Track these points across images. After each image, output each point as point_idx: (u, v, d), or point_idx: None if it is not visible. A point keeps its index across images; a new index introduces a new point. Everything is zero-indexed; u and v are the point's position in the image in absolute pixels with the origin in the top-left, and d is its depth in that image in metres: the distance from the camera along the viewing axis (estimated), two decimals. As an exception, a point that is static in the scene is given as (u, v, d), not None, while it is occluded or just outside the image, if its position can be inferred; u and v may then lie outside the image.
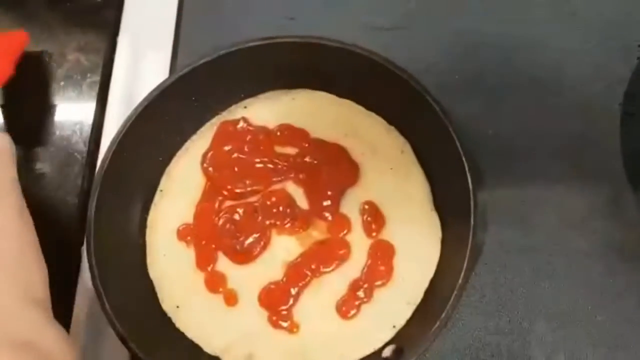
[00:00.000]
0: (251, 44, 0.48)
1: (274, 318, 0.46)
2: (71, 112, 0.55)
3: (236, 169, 0.50)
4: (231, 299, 0.47)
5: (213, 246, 0.48)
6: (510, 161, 0.51)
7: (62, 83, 0.56)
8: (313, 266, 0.47)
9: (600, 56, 0.54)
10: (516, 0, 0.57)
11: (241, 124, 0.51)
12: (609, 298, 0.48)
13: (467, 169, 0.43)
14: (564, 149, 0.52)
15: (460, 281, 0.41)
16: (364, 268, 0.47)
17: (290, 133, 0.50)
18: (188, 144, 0.52)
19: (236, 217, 0.49)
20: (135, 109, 0.48)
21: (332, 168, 0.49)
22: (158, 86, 0.48)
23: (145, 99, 0.48)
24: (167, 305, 0.47)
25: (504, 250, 0.49)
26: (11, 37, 0.54)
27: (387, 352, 0.44)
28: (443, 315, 0.40)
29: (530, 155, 0.51)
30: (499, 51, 0.55)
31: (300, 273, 0.47)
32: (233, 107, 0.52)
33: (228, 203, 0.49)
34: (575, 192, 0.50)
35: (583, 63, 0.54)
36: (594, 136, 0.52)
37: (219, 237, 0.48)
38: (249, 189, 0.49)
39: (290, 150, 0.50)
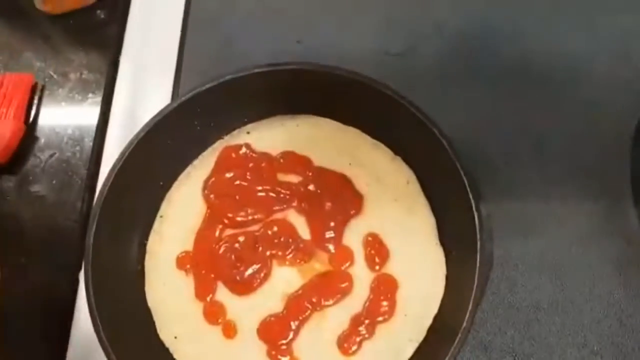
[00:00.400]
0: (256, 70, 0.48)
1: (273, 352, 0.45)
2: (71, 133, 0.54)
3: (237, 196, 0.49)
4: (230, 330, 0.46)
5: (212, 276, 0.47)
6: (515, 175, 0.51)
7: (62, 103, 0.55)
8: (314, 299, 0.46)
9: (611, 69, 0.54)
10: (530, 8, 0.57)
11: (244, 150, 0.50)
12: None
13: (474, 208, 0.42)
14: (570, 163, 0.51)
15: (465, 324, 0.40)
16: (366, 302, 0.46)
17: (293, 161, 0.50)
18: (189, 168, 0.51)
19: (237, 246, 0.48)
20: (137, 134, 0.47)
21: (336, 198, 0.48)
22: (160, 111, 0.47)
23: (147, 124, 0.47)
24: (164, 335, 0.46)
25: (510, 279, 0.48)
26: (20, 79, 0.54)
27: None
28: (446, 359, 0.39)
29: (535, 170, 0.51)
30: (505, 61, 0.55)
31: (300, 306, 0.46)
32: (236, 131, 0.51)
33: (229, 231, 0.48)
34: (580, 206, 0.50)
35: (593, 76, 0.54)
36: (600, 150, 0.51)
37: (218, 267, 0.47)
38: (250, 217, 0.48)
39: (293, 178, 0.49)
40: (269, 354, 0.45)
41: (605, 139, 0.52)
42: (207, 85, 0.48)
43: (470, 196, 0.42)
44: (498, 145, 0.52)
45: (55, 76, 0.56)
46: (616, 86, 0.53)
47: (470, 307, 0.40)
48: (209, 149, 0.51)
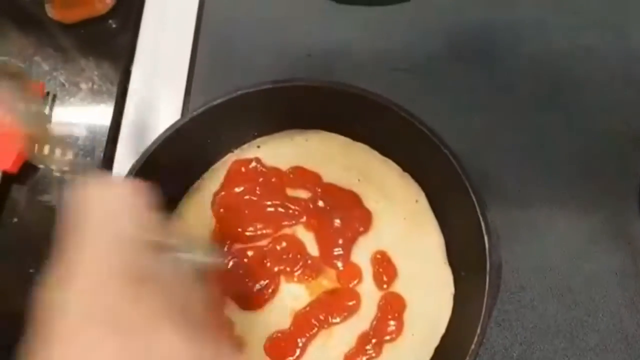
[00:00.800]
0: (266, 85, 0.47)
1: (280, 369, 0.45)
2: (82, 143, 0.54)
3: (247, 211, 0.49)
4: (237, 346, 0.46)
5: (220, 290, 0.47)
6: (521, 185, 0.51)
7: (73, 113, 0.55)
8: (321, 316, 0.46)
9: (616, 69, 0.54)
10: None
11: (254, 164, 0.50)
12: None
13: (484, 229, 0.42)
14: (576, 171, 0.51)
15: (473, 347, 0.39)
16: (373, 321, 0.46)
17: (302, 176, 0.50)
18: (199, 182, 0.51)
19: (245, 261, 0.48)
20: (147, 149, 0.47)
21: (344, 215, 0.48)
22: (171, 126, 0.47)
23: (157, 139, 0.47)
24: (172, 349, 0.46)
25: (517, 299, 0.48)
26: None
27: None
28: (454, 382, 0.39)
29: (538, 174, 0.51)
30: (506, 65, 0.55)
31: (308, 323, 0.46)
32: (246, 145, 0.52)
33: (237, 246, 0.48)
34: (586, 217, 0.50)
35: (596, 77, 0.54)
36: (608, 159, 0.52)
37: (227, 281, 0.47)
38: (259, 232, 0.48)
39: (303, 194, 0.49)
40: (276, 370, 0.45)
41: (609, 141, 0.52)
42: (218, 101, 0.48)
43: (481, 219, 0.42)
44: (500, 151, 0.52)
45: (66, 85, 0.57)
46: (620, 87, 0.53)
47: (478, 330, 0.40)
48: (219, 163, 0.51)
